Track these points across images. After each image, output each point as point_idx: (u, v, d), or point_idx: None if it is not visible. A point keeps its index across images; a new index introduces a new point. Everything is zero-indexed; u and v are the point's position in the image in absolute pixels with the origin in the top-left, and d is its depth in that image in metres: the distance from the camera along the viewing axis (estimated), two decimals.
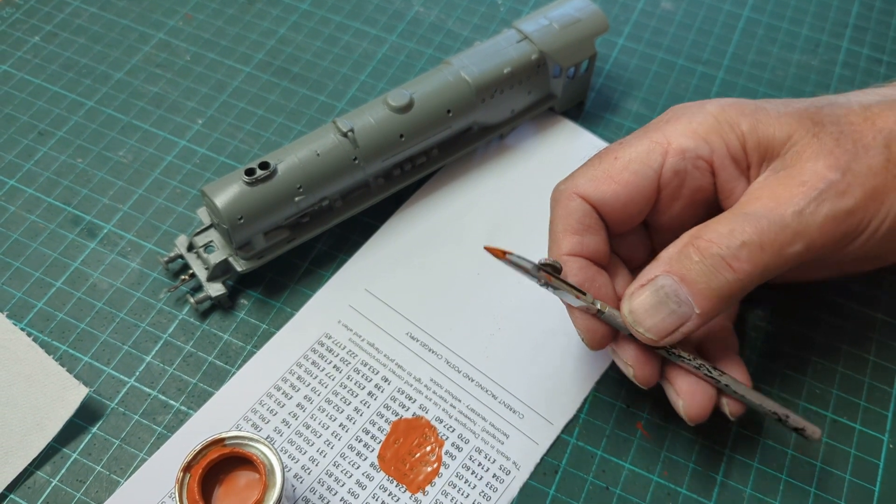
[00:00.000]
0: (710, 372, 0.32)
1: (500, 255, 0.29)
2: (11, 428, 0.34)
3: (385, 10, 0.51)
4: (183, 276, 0.38)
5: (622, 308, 0.31)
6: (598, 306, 0.31)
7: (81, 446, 0.35)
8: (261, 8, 0.51)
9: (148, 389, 0.36)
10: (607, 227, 0.33)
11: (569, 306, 0.32)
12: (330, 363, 0.37)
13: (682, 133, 0.32)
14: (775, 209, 0.30)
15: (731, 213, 0.31)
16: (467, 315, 0.39)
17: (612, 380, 0.37)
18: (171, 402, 0.36)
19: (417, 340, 0.38)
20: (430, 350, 0.38)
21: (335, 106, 0.46)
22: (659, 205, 0.33)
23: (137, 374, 0.37)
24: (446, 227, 0.41)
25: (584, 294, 0.31)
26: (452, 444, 0.35)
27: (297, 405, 0.36)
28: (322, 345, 0.38)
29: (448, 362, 0.37)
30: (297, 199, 0.37)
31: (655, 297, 0.30)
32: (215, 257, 0.37)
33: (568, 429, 0.36)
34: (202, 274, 0.38)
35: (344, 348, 0.37)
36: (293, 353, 0.37)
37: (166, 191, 0.42)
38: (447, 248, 0.41)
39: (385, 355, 0.37)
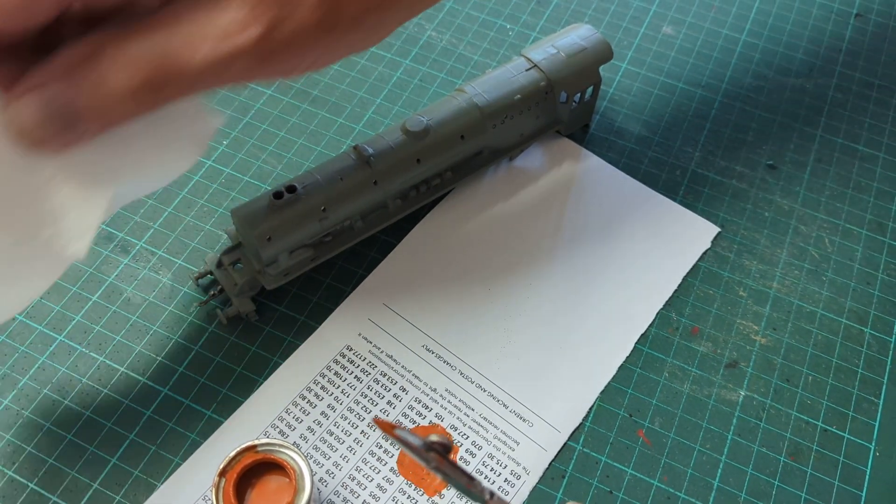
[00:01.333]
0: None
1: (388, 429, 0.27)
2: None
3: (399, 35, 0.53)
4: (212, 292, 0.41)
5: (9, 111, 0.27)
6: (488, 498, 0.27)
7: (120, 452, 0.37)
8: None
9: (181, 398, 0.39)
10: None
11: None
12: (351, 374, 0.39)
13: None
14: (181, 36, 0.26)
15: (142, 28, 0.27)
16: (480, 329, 0.41)
17: (615, 391, 0.40)
18: (203, 409, 0.38)
19: (433, 353, 0.40)
20: (444, 362, 0.40)
21: (353, 128, 0.49)
22: None
23: (171, 383, 0.39)
24: (459, 245, 0.44)
25: (473, 481, 0.27)
26: (466, 451, 0.38)
27: (321, 413, 0.38)
28: (344, 356, 0.40)
29: (462, 373, 0.40)
30: (321, 220, 0.39)
31: (42, 109, 0.26)
32: (243, 274, 0.40)
33: (574, 436, 0.38)
34: (231, 290, 0.40)
35: (364, 360, 0.40)
36: (316, 364, 0.40)
37: (194, 209, 0.45)
38: (460, 265, 0.43)
39: (403, 367, 0.40)
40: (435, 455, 0.27)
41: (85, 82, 0.26)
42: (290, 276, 0.40)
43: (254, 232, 0.38)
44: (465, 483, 0.27)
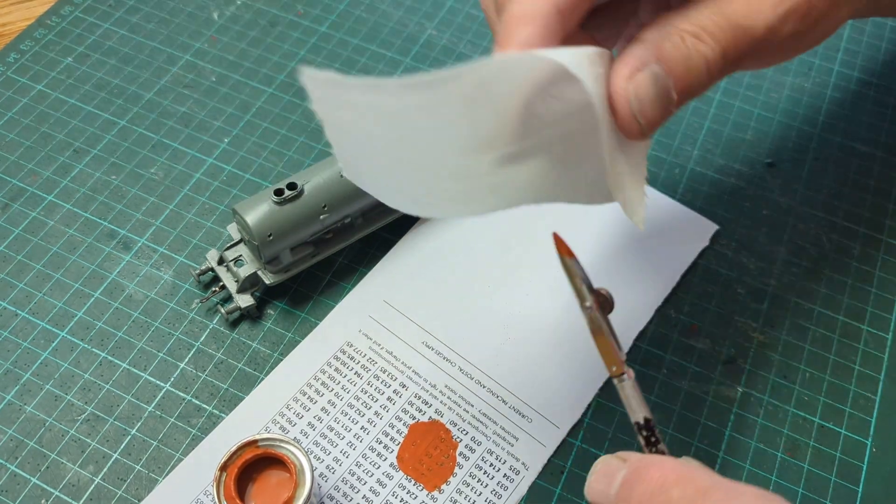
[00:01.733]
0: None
1: (567, 253, 0.27)
2: None
3: (400, 34, 0.53)
4: (214, 288, 0.41)
5: (626, 92, 0.28)
6: (622, 372, 0.29)
7: (122, 447, 0.37)
8: (281, 31, 0.53)
9: (182, 394, 0.39)
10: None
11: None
12: (351, 370, 0.40)
13: None
14: (750, 19, 0.29)
15: (709, 9, 0.29)
16: (479, 325, 0.41)
17: (614, 387, 0.40)
18: (204, 405, 0.39)
19: (433, 349, 0.40)
20: (444, 358, 0.40)
21: None
22: None
23: (172, 379, 0.39)
24: (459, 242, 0.44)
25: (621, 350, 0.29)
26: (466, 446, 0.38)
27: (322, 409, 0.39)
28: (344, 353, 0.40)
29: (461, 370, 0.40)
30: (322, 217, 0.39)
31: (655, 87, 0.28)
32: (245, 271, 0.40)
33: (573, 432, 0.39)
34: (232, 286, 0.41)
35: (364, 356, 0.40)
36: (317, 360, 0.40)
37: (195, 206, 0.45)
38: (460, 261, 0.43)
39: (403, 363, 0.40)
40: (595, 302, 0.28)
41: (676, 58, 0.28)
42: (290, 273, 0.41)
43: (255, 229, 0.38)
44: (612, 346, 0.29)
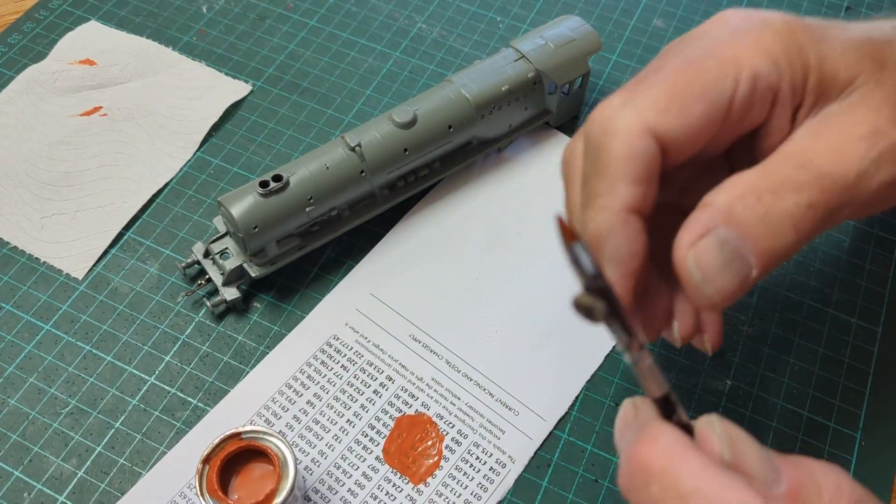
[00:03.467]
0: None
1: (570, 237, 0.24)
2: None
3: (389, 27, 0.53)
4: (200, 281, 0.41)
5: (686, 261, 0.26)
6: (639, 355, 0.25)
7: (105, 440, 0.37)
8: (271, 24, 0.53)
9: (167, 387, 0.39)
10: None
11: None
12: (338, 363, 0.39)
13: (753, 51, 0.27)
14: (838, 166, 0.26)
15: (788, 160, 0.26)
16: (466, 318, 0.41)
17: (601, 380, 0.40)
18: (189, 399, 0.38)
19: (420, 342, 0.40)
20: (431, 351, 0.40)
21: (342, 119, 0.49)
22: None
23: (157, 372, 0.39)
24: (447, 236, 0.44)
25: (632, 338, 0.25)
26: (452, 439, 0.38)
27: (308, 402, 0.38)
28: (330, 346, 0.40)
29: (448, 362, 0.40)
30: (307, 209, 0.39)
31: (722, 254, 0.25)
32: (230, 263, 0.40)
33: (560, 425, 0.38)
34: (218, 279, 0.40)
35: (351, 349, 0.40)
36: (303, 353, 0.40)
37: (182, 199, 0.45)
38: (448, 255, 0.43)
39: (389, 356, 0.40)
40: (602, 303, 0.23)
41: (751, 219, 0.25)
42: (277, 266, 0.40)
43: (240, 221, 0.38)
44: (624, 340, 0.25)
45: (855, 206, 0.26)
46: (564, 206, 0.31)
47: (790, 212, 0.25)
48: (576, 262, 0.24)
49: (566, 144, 0.47)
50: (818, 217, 0.26)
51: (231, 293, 0.40)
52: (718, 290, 0.26)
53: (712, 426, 0.24)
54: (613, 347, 0.41)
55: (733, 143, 0.29)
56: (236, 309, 0.41)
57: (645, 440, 0.24)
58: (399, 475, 0.37)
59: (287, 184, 0.39)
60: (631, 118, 0.27)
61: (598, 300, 0.23)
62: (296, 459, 0.33)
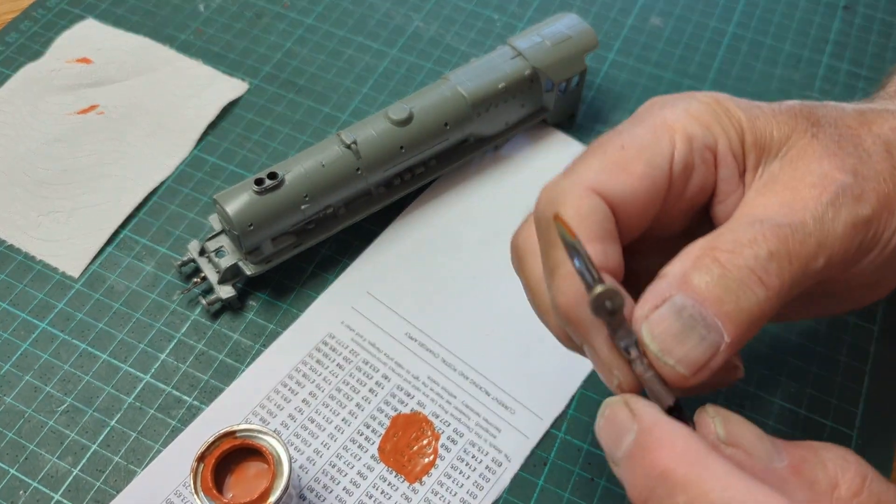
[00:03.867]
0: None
1: (572, 234, 0.24)
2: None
3: (386, 25, 0.53)
4: (195, 279, 0.41)
5: (641, 333, 0.25)
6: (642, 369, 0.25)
7: (101, 438, 0.37)
8: (268, 22, 0.53)
9: (163, 385, 0.39)
10: None
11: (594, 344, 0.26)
12: (333, 361, 0.39)
13: (683, 117, 0.28)
14: (793, 215, 0.26)
15: (740, 221, 0.26)
16: (463, 317, 0.41)
17: (598, 378, 0.39)
18: (185, 397, 0.38)
19: (416, 340, 0.40)
20: (427, 349, 0.40)
21: (339, 117, 0.48)
22: (667, 207, 0.28)
23: (153, 371, 0.39)
24: (444, 234, 0.44)
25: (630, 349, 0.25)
26: (448, 438, 0.37)
27: (303, 400, 0.38)
28: (326, 344, 0.40)
29: (444, 361, 0.40)
30: (303, 207, 0.39)
31: (680, 321, 0.24)
32: (226, 261, 0.40)
33: (556, 424, 0.38)
34: (213, 277, 0.40)
35: (347, 347, 0.40)
36: (299, 351, 0.40)
37: (178, 198, 0.45)
38: (445, 253, 0.43)
39: (385, 354, 0.40)
40: (603, 303, 0.23)
41: (708, 282, 0.24)
42: (272, 264, 0.40)
43: (235, 219, 0.38)
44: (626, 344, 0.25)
45: (828, 254, 0.26)
46: (525, 290, 0.30)
47: (750, 266, 0.25)
48: (578, 267, 0.24)
49: (562, 143, 0.47)
50: (785, 267, 0.25)
51: (226, 291, 0.40)
52: (681, 360, 0.24)
53: (705, 410, 0.25)
54: None
55: (692, 222, 0.29)
56: (231, 307, 0.41)
57: (659, 445, 0.22)
58: (394, 474, 0.36)
59: (282, 181, 0.39)
60: (574, 183, 0.27)
61: (601, 306, 0.24)
62: (290, 458, 0.33)
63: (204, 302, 0.40)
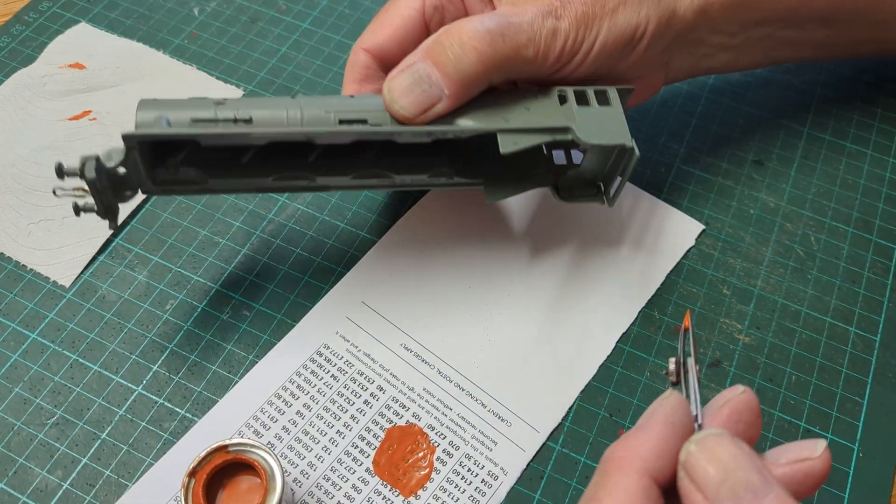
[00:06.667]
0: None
1: (686, 326, 0.30)
2: None
3: None
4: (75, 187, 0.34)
5: (383, 89, 0.35)
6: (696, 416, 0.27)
7: (91, 451, 0.37)
8: (263, 26, 0.52)
9: (154, 397, 0.38)
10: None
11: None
12: (328, 373, 0.39)
13: None
14: (513, 15, 0.35)
15: (479, 14, 0.37)
16: (459, 328, 0.40)
17: (595, 390, 0.39)
18: (177, 409, 0.38)
19: (411, 351, 0.40)
20: (423, 361, 0.39)
21: None
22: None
23: (144, 382, 0.38)
24: (439, 243, 0.43)
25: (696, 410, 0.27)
26: (443, 451, 0.37)
27: (297, 413, 0.38)
28: (321, 355, 0.39)
29: (440, 372, 0.39)
30: (216, 104, 0.34)
31: (410, 79, 0.34)
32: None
33: (553, 436, 0.38)
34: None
35: (341, 358, 0.39)
36: (293, 362, 0.39)
37: (171, 205, 0.44)
38: (440, 263, 0.42)
39: (380, 365, 0.39)
40: (674, 370, 0.29)
41: (437, 48, 0.35)
42: (174, 190, 0.36)
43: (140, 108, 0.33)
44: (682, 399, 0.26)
45: (536, 48, 0.36)
46: None
47: (469, 37, 0.34)
48: (682, 342, 0.29)
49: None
50: (498, 42, 0.35)
51: (89, 170, 0.33)
52: (404, 106, 0.35)
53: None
54: (608, 357, 0.40)
55: None
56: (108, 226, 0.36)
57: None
58: (389, 487, 0.36)
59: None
60: (355, 45, 0.39)
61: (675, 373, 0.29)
62: (283, 472, 0.33)
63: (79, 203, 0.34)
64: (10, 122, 0.46)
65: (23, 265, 0.42)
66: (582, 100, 0.38)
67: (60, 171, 0.33)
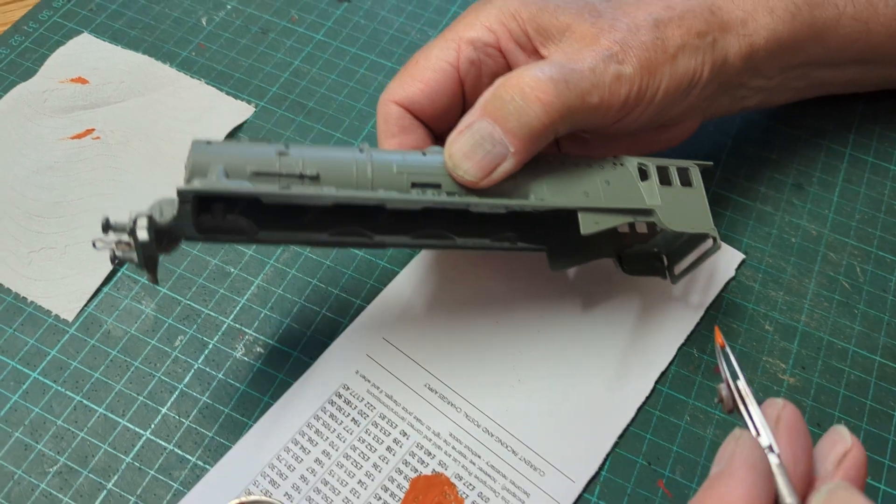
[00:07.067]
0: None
1: (721, 343, 0.29)
2: None
3: (400, 42, 0.50)
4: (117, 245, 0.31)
5: (445, 154, 0.33)
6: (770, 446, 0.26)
7: (97, 503, 0.34)
8: (274, 38, 0.50)
9: (164, 443, 0.36)
10: (428, 127, 0.37)
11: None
12: (348, 416, 0.37)
13: (470, 27, 0.36)
14: (573, 62, 0.34)
15: (534, 63, 0.34)
16: (487, 366, 0.38)
17: (633, 436, 0.37)
18: (188, 456, 0.35)
19: (436, 392, 0.37)
20: (449, 403, 0.37)
21: (352, 143, 0.45)
22: (467, 95, 0.37)
23: (153, 426, 0.36)
24: (465, 275, 0.41)
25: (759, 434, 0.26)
26: (472, 503, 0.35)
27: (315, 460, 0.35)
28: (340, 396, 0.37)
29: (467, 416, 0.37)
30: (279, 153, 0.31)
31: (472, 140, 0.32)
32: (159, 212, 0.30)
33: (589, 487, 0.35)
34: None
35: (362, 400, 0.37)
36: (310, 405, 0.37)
37: None
38: (466, 296, 0.40)
39: (403, 408, 0.37)
40: (730, 396, 0.27)
41: (498, 107, 0.33)
42: (220, 238, 0.33)
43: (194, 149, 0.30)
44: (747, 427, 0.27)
45: (600, 94, 0.33)
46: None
47: (531, 86, 0.32)
48: (722, 363, 0.28)
49: None
50: (562, 90, 0.32)
51: (142, 234, 0.30)
52: (468, 170, 0.32)
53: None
54: (646, 400, 0.38)
55: None
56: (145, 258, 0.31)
57: None
58: None
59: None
60: (383, 97, 0.37)
61: (729, 399, 0.27)
62: None
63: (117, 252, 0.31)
64: (9, 141, 0.44)
65: (23, 297, 0.39)
66: (664, 177, 0.36)
67: (107, 227, 0.30)
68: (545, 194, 0.34)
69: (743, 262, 0.42)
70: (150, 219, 0.30)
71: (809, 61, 0.41)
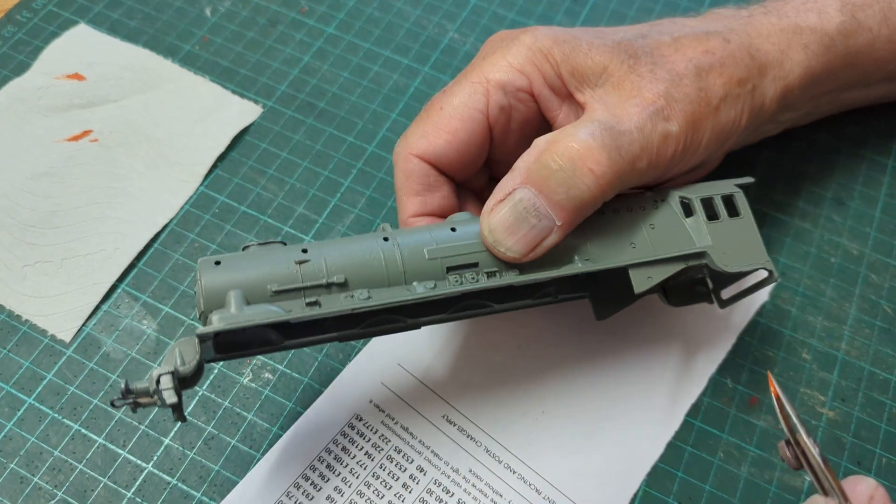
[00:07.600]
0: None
1: (774, 394, 0.28)
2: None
3: (417, 37, 0.47)
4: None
5: (482, 227, 0.30)
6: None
7: None
8: (283, 31, 0.47)
9: (167, 477, 0.34)
10: (450, 177, 0.34)
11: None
12: (361, 449, 0.35)
13: (498, 68, 0.33)
14: (620, 122, 0.31)
15: (578, 122, 0.31)
16: (508, 395, 0.36)
17: (663, 473, 0.35)
18: (192, 491, 0.33)
19: (455, 424, 0.35)
20: (468, 436, 0.35)
21: (365, 148, 0.43)
22: (494, 142, 0.34)
23: (155, 458, 0.34)
24: None
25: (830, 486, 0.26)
26: None
27: (328, 498, 0.33)
28: (353, 428, 0.35)
29: (488, 450, 0.35)
30: (299, 262, 0.29)
31: (514, 213, 0.30)
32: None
33: None
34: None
35: (376, 432, 0.35)
36: (322, 437, 0.35)
37: (184, 244, 0.39)
38: (487, 320, 0.38)
39: (420, 441, 0.35)
40: (791, 450, 0.27)
41: (544, 171, 0.30)
42: (243, 354, 0.30)
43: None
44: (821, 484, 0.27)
45: (649, 157, 0.31)
46: None
47: (582, 156, 0.30)
48: (781, 416, 0.27)
49: None
50: (615, 159, 0.30)
51: (169, 395, 0.27)
52: (511, 247, 0.30)
53: None
54: (676, 434, 0.35)
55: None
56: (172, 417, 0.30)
57: None
58: None
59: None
60: (401, 149, 0.34)
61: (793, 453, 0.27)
62: None
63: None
64: (3, 142, 0.41)
65: (17, 315, 0.37)
66: (710, 211, 0.33)
67: (127, 392, 0.27)
68: (591, 253, 0.31)
69: (779, 284, 0.39)
70: (174, 374, 0.27)
71: (839, 87, 0.40)
